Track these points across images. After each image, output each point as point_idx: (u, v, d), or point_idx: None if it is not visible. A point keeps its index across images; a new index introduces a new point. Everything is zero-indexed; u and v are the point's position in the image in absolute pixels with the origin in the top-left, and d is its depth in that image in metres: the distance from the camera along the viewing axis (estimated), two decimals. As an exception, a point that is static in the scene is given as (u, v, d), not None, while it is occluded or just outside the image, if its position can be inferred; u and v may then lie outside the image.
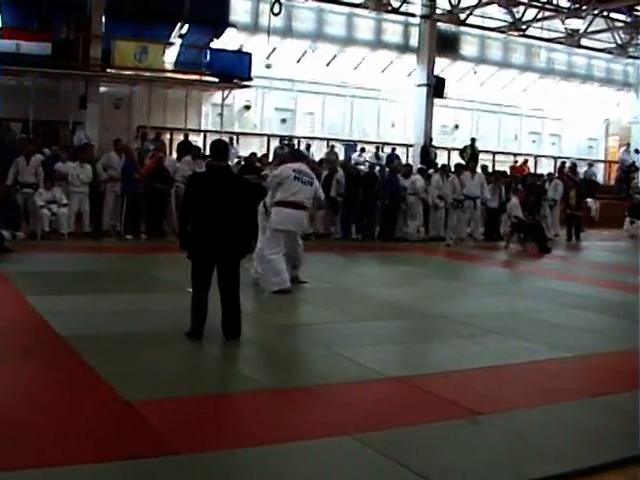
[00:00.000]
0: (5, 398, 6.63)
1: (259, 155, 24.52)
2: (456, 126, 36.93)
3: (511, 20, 34.54)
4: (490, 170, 28.34)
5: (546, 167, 36.54)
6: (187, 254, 9.11)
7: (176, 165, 21.13)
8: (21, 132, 25.34)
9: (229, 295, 9.10)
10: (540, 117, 39.49)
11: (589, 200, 30.76)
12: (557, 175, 28.40)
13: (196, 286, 9.12)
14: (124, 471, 5.36)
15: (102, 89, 28.27)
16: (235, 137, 30.26)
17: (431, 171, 25.23)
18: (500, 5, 33.51)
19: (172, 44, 29.32)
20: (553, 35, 37.08)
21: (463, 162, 27.44)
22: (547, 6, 33.87)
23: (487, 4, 33.50)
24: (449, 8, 33.37)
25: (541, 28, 36.57)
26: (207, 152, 26.13)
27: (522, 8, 33.54)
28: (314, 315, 11.23)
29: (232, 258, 9.16)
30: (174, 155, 24.63)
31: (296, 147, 30.05)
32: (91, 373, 7.52)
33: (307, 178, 12.66)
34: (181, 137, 28.42)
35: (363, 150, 31.95)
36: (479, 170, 24.40)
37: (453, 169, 24.83)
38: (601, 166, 41.59)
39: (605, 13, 35.20)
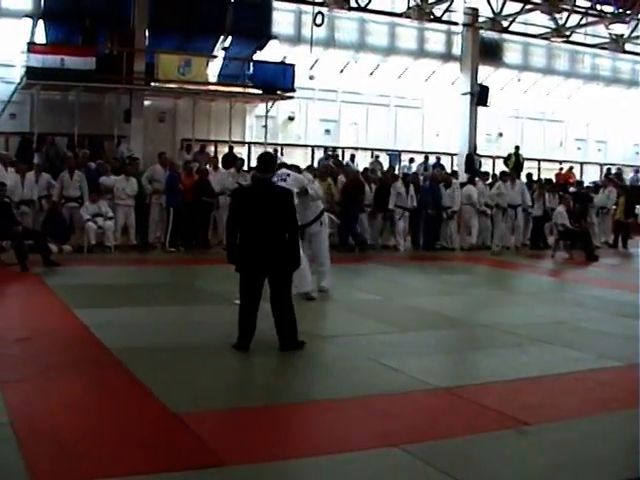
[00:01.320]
0: (55, 411, 6.71)
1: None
2: (500, 134, 36.74)
3: (554, 26, 34.31)
4: (535, 178, 28.16)
5: (592, 174, 36.33)
6: (235, 267, 9.19)
7: (221, 177, 21.11)
8: (66, 147, 25.55)
9: (283, 310, 9.16)
10: (585, 124, 39.15)
11: (638, 207, 30.41)
12: (604, 182, 28.06)
13: (244, 299, 9.19)
14: (173, 483, 5.40)
15: (146, 103, 28.47)
16: (279, 148, 30.36)
17: (476, 179, 25.15)
18: (543, 12, 33.30)
19: (215, 57, 29.57)
20: (597, 41, 36.83)
21: (507, 170, 27.35)
22: (590, 11, 33.60)
23: (530, 11, 33.29)
24: (491, 16, 33.25)
25: (585, 34, 36.37)
26: (253, 165, 26.42)
27: (565, 14, 33.28)
28: (360, 326, 11.18)
29: (282, 272, 9.19)
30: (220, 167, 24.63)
31: (338, 157, 30.15)
32: (139, 385, 7.59)
33: (283, 176, 11.91)
34: (225, 149, 28.50)
35: (412, 160, 31.92)
36: (523, 178, 24.23)
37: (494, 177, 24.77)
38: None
39: (649, 17, 34.92)
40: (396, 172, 26.15)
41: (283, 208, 9.16)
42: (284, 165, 14.36)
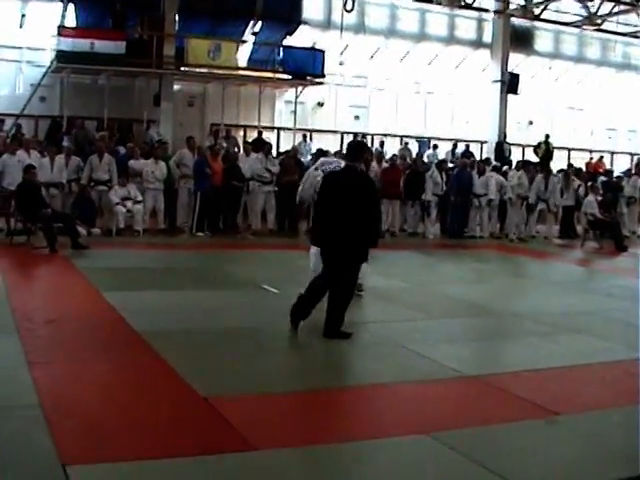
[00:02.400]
0: (86, 394, 6.73)
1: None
2: (530, 122, 36.53)
3: (586, 14, 34.13)
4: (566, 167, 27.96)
5: (622, 163, 36.08)
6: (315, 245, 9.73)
7: (251, 162, 21.03)
8: (96, 130, 25.61)
9: (339, 297, 9.17)
10: (616, 113, 38.83)
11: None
12: (635, 171, 27.82)
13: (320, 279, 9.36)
14: (203, 466, 5.40)
15: (176, 87, 28.45)
16: (309, 134, 30.33)
17: (505, 168, 25.03)
18: (575, -1, 33.16)
19: (245, 42, 29.56)
20: (629, 29, 36.52)
21: (537, 159, 27.20)
22: (623, 0, 33.39)
23: (561, -2, 33.16)
24: (523, 3, 33.13)
25: (617, 22, 36.05)
26: (282, 149, 26.42)
27: (597, 2, 33.08)
28: (390, 313, 11.18)
29: (354, 260, 9.26)
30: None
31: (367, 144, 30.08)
32: (167, 369, 7.59)
33: (333, 165, 11.17)
34: (255, 134, 28.47)
35: (436, 147, 31.81)
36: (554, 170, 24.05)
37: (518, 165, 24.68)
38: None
39: (682, 6, 34.61)
40: (424, 159, 26.07)
41: (368, 196, 9.20)
42: (325, 153, 13.46)
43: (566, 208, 23.48)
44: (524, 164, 24.09)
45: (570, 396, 7.45)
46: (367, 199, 9.16)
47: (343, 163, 11.03)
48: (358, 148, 9.84)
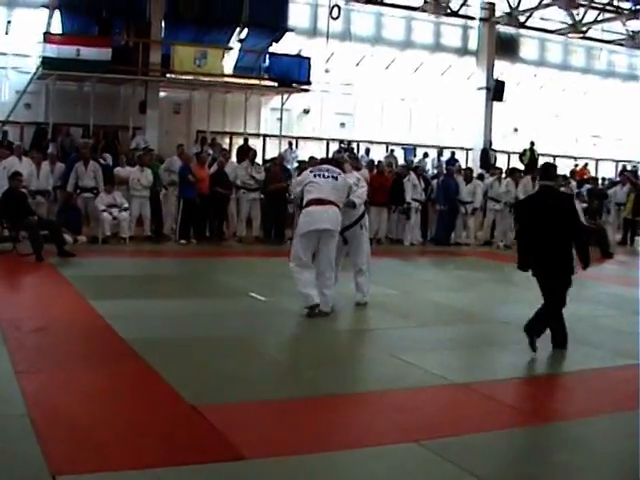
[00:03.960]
0: (72, 402, 6.69)
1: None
2: (515, 129, 36.65)
3: (571, 22, 34.27)
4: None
5: (607, 170, 36.22)
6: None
7: (236, 170, 20.99)
8: (81, 137, 25.58)
9: (556, 311, 9.64)
10: (601, 120, 38.96)
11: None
12: (623, 178, 27.88)
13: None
14: (192, 476, 5.39)
15: (162, 94, 28.52)
16: (295, 141, 30.38)
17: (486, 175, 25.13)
18: (560, 7, 33.24)
19: (231, 49, 29.62)
20: (614, 37, 36.72)
21: (522, 166, 27.26)
22: (608, 8, 33.56)
23: (547, 6, 33.28)
24: (508, 10, 33.27)
25: (602, 30, 36.29)
26: (267, 157, 26.41)
27: (582, 10, 33.22)
28: (378, 320, 11.21)
29: (563, 277, 9.52)
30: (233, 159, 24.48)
31: (353, 151, 30.13)
32: (155, 377, 7.57)
33: (328, 173, 11.22)
34: (240, 141, 28.47)
35: (426, 155, 31.86)
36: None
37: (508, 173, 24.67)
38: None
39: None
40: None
41: (569, 212, 9.48)
42: (332, 161, 13.28)
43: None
44: (511, 171, 24.08)
45: (557, 403, 7.49)
46: (567, 214, 9.43)
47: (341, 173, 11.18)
48: (553, 168, 10.31)
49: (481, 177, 24.66)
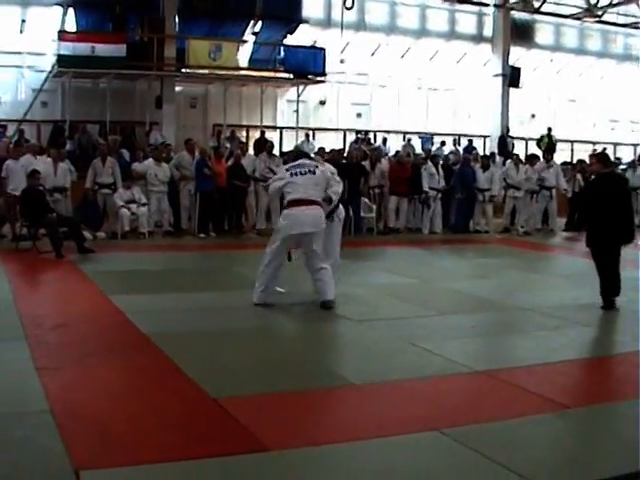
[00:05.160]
0: (96, 398, 6.71)
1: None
2: (532, 115, 36.49)
3: (586, 6, 34.08)
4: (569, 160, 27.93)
5: (625, 155, 36.02)
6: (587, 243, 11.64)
7: (254, 162, 20.96)
8: (98, 134, 25.66)
9: (616, 270, 11.47)
10: (618, 104, 38.75)
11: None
12: (637, 162, 27.75)
13: (600, 268, 11.55)
14: (215, 468, 5.39)
15: (177, 89, 28.50)
16: (311, 133, 30.35)
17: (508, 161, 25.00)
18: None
19: (246, 42, 29.59)
20: (629, 20, 36.48)
21: (540, 152, 27.13)
22: (623, -9, 33.41)
23: (562, -10, 33.15)
24: (523, -4, 33.13)
25: (617, 13, 36.05)
26: (285, 149, 26.37)
27: (597, -7, 33.09)
28: (398, 309, 11.13)
29: (619, 245, 11.47)
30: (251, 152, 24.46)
31: (370, 141, 30.09)
32: (177, 370, 7.58)
33: (305, 168, 10.99)
34: (257, 134, 28.48)
35: (444, 143, 31.76)
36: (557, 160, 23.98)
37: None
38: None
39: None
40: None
41: (625, 193, 11.61)
42: (302, 154, 13.07)
43: (572, 200, 23.39)
44: (530, 157, 23.97)
45: (580, 389, 7.47)
46: (624, 194, 11.50)
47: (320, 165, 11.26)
48: (608, 157, 12.33)
49: (490, 157, 24.46)
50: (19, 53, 27.10)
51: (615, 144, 37.77)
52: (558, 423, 6.49)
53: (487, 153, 29.33)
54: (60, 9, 26.77)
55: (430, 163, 22.16)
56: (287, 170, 11.10)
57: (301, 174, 10.85)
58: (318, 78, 29.63)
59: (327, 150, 22.09)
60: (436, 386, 7.40)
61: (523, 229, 22.04)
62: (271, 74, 29.59)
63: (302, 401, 6.90)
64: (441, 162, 23.54)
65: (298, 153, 12.79)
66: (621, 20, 36.57)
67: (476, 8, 34.31)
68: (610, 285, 11.35)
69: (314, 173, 10.95)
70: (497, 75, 33.51)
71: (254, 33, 29.91)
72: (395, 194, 21.35)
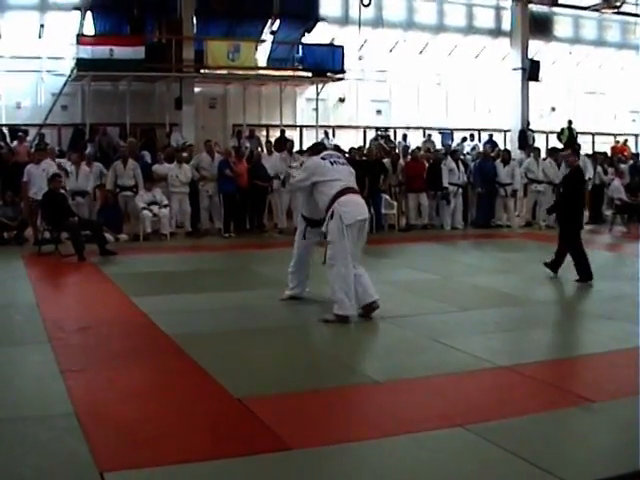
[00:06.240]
0: (118, 399, 6.74)
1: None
2: (553, 109, 36.34)
3: (604, -3, 33.92)
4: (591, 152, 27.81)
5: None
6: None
7: (274, 161, 20.95)
8: (119, 136, 25.74)
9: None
10: (638, 95, 38.49)
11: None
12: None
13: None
14: (240, 467, 5.41)
15: (196, 89, 28.54)
16: (331, 130, 30.36)
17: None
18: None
19: (264, 41, 29.61)
20: (649, 10, 36.31)
21: (561, 145, 27.03)
22: (642, -19, 33.23)
23: (580, -18, 32.99)
24: (541, -11, 33.00)
25: (636, 4, 35.80)
26: (304, 147, 26.34)
27: (616, -16, 32.88)
28: (420, 306, 11.11)
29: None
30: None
31: (389, 138, 30.10)
32: (200, 371, 7.60)
33: (340, 159, 10.59)
34: (277, 133, 28.49)
35: (465, 139, 31.77)
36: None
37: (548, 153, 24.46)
38: None
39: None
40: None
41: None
42: (326, 147, 12.62)
43: (594, 193, 23.32)
44: (551, 151, 23.88)
45: (605, 383, 7.40)
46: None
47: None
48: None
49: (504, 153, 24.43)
50: (38, 58, 27.27)
51: (636, 135, 37.55)
52: (583, 417, 6.48)
53: (508, 147, 29.19)
54: (78, 13, 26.85)
55: (450, 158, 22.13)
56: (323, 159, 10.44)
57: (339, 164, 10.41)
58: (337, 76, 29.58)
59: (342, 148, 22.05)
60: (459, 382, 7.38)
61: (545, 223, 21.94)
62: (290, 73, 29.62)
63: (325, 399, 6.90)
64: (462, 157, 23.50)
65: (323, 145, 12.76)
66: (640, 11, 36.40)
67: (494, 2, 34.23)
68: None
69: (348, 165, 10.68)
70: (516, 69, 33.34)
71: (272, 32, 29.93)
72: (412, 191, 21.32)
